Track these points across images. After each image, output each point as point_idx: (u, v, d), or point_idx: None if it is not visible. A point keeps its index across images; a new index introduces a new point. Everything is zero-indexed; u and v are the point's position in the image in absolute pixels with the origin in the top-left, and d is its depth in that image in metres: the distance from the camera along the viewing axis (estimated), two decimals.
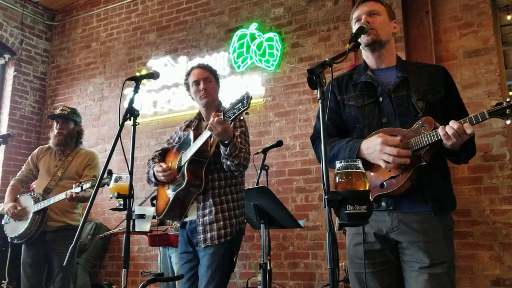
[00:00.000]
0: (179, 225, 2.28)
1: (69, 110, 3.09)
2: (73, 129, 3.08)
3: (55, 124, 3.09)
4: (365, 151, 1.52)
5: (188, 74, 2.36)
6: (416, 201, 1.52)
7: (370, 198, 1.50)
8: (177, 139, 2.41)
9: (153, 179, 2.29)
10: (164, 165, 2.26)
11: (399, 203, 1.53)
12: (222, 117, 1.89)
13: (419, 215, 1.52)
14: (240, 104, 1.83)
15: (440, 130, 1.41)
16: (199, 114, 2.43)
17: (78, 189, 2.69)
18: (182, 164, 2.16)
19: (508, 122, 1.38)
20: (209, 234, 2.12)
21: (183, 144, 2.26)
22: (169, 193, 2.21)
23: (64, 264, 1.63)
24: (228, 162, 2.07)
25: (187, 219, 2.22)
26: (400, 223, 1.52)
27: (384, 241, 1.55)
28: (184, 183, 2.09)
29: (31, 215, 2.87)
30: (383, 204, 1.55)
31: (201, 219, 2.15)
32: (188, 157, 2.12)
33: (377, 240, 1.55)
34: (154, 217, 2.84)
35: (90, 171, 3.01)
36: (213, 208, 2.15)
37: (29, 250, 2.92)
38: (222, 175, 2.22)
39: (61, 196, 2.79)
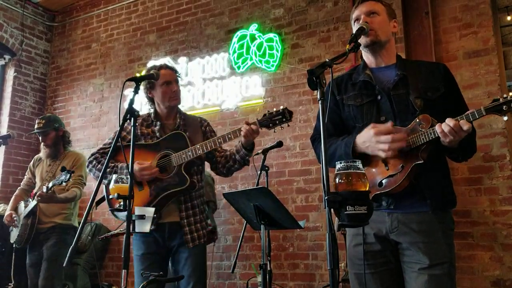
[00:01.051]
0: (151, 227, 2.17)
1: (44, 122, 3.14)
2: (55, 136, 3.15)
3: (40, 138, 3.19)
4: (361, 145, 1.53)
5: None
6: (416, 201, 1.52)
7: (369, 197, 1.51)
8: (129, 137, 2.24)
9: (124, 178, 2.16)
10: (146, 163, 2.16)
11: (399, 203, 1.52)
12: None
13: (418, 215, 1.51)
14: (281, 116, 2.06)
15: (436, 128, 1.41)
16: (155, 114, 2.33)
17: (44, 189, 2.81)
18: (174, 165, 2.17)
19: (505, 118, 1.38)
20: (196, 234, 2.19)
21: (167, 144, 2.20)
22: (151, 193, 2.16)
23: (64, 264, 1.64)
24: (237, 166, 2.23)
25: (164, 221, 2.18)
26: (400, 223, 1.52)
27: (384, 242, 1.55)
28: (187, 185, 2.13)
29: (22, 220, 3.00)
30: (383, 203, 1.54)
31: (185, 220, 2.18)
32: (186, 159, 2.14)
33: (377, 241, 1.55)
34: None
35: (75, 171, 3.05)
36: (197, 209, 2.23)
37: (29, 252, 3.07)
38: (200, 177, 2.30)
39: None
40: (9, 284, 3.40)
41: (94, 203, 1.69)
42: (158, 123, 2.30)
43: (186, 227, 2.17)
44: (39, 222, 2.98)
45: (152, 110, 2.36)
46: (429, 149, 1.48)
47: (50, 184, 2.79)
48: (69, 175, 2.70)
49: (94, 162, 2.27)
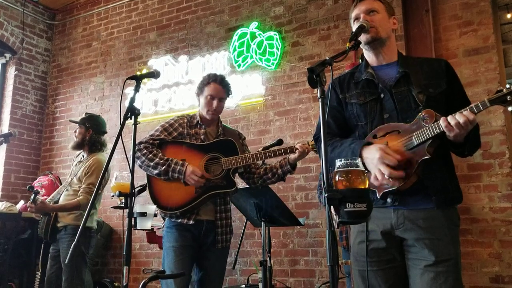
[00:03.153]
0: (190, 221, 2.24)
1: (84, 117, 3.23)
2: (83, 134, 3.17)
3: None
4: (364, 158, 1.51)
5: (207, 83, 2.39)
6: (420, 198, 1.51)
7: (378, 195, 1.51)
8: (175, 134, 2.36)
9: (175, 175, 2.20)
10: (200, 172, 2.23)
11: (404, 200, 1.51)
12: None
13: (424, 212, 1.50)
14: None
15: (441, 122, 1.39)
16: (201, 118, 2.42)
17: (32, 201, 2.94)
18: (223, 168, 2.28)
19: (510, 109, 1.35)
20: (225, 236, 2.31)
21: (216, 148, 2.31)
22: (197, 191, 2.24)
23: (66, 261, 1.69)
24: (274, 179, 2.35)
25: (202, 218, 2.27)
26: (406, 220, 1.51)
27: (389, 239, 1.53)
28: (234, 188, 2.26)
29: (42, 216, 3.10)
30: (388, 200, 1.53)
31: (219, 221, 2.30)
32: (235, 165, 2.26)
33: (383, 238, 1.53)
34: (155, 215, 2.85)
35: (87, 179, 3.06)
36: (229, 213, 2.36)
37: (51, 245, 3.15)
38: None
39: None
40: (37, 272, 3.61)
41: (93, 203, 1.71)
42: (204, 126, 2.40)
43: (219, 228, 2.29)
44: (56, 220, 3.07)
45: (197, 113, 2.47)
46: (436, 144, 1.46)
47: (32, 198, 2.92)
48: (33, 196, 2.85)
49: (144, 151, 2.27)
